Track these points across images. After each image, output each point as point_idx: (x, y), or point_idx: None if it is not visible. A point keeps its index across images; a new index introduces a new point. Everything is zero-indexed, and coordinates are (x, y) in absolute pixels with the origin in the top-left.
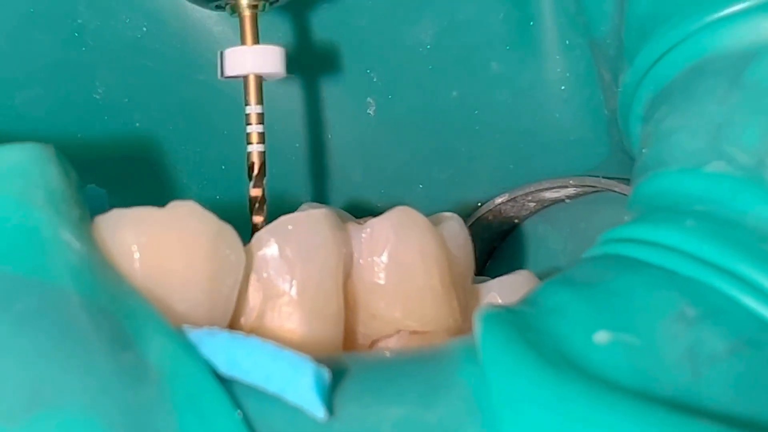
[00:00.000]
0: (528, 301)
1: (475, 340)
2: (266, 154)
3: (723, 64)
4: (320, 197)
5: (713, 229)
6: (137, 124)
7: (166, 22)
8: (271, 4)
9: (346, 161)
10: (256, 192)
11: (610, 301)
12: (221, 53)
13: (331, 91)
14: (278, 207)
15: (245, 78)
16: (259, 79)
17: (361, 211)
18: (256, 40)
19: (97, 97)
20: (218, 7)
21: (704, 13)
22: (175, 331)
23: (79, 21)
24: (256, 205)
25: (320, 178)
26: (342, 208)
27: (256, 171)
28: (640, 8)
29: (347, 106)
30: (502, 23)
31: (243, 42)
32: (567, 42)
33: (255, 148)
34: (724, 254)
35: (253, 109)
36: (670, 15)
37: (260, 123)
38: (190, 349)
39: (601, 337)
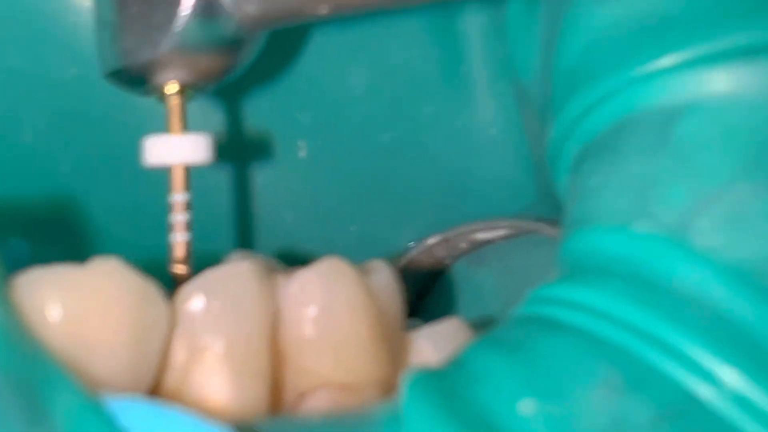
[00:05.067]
0: (455, 363)
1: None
2: (191, 243)
3: (649, 121)
4: (252, 239)
5: (637, 292)
6: (65, 168)
7: (96, 64)
8: (198, 90)
9: (278, 203)
10: (181, 276)
11: (535, 367)
12: (144, 141)
13: (260, 134)
14: (208, 251)
15: (172, 167)
16: (186, 168)
17: (293, 254)
18: (183, 128)
19: (25, 140)
20: (147, 93)
21: (630, 69)
22: (93, 400)
23: (6, 63)
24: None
25: (252, 220)
26: (274, 251)
27: (180, 261)
28: (566, 61)
29: (278, 148)
30: (434, 68)
31: (169, 130)
32: (497, 87)
33: (180, 237)
34: (648, 319)
35: (178, 197)
36: (596, 70)
37: (186, 210)
38: (107, 421)
39: (525, 406)
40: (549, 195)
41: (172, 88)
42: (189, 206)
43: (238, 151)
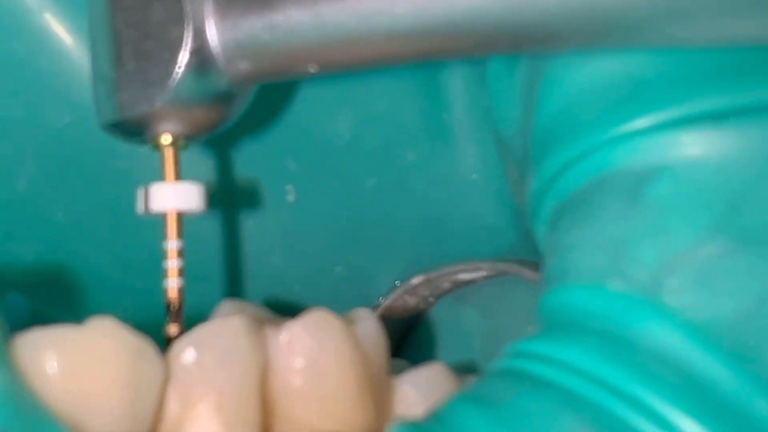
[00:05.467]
0: (436, 418)
1: None
2: (184, 289)
3: (622, 181)
4: (241, 282)
5: (611, 350)
6: (60, 215)
7: (90, 111)
8: (192, 139)
9: (266, 245)
10: (173, 329)
11: (513, 424)
12: (139, 189)
13: (250, 179)
14: (198, 295)
15: (165, 215)
16: (179, 215)
17: (281, 296)
18: (177, 176)
19: (20, 188)
20: (142, 143)
21: (605, 129)
22: None
23: (2, 112)
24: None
25: (241, 263)
26: (262, 292)
27: (174, 308)
28: (545, 118)
29: (267, 193)
30: (417, 116)
31: (163, 178)
32: (479, 134)
33: (173, 283)
34: (621, 377)
35: (172, 244)
36: (573, 128)
37: (179, 257)
38: None
39: None
40: (529, 237)
41: (166, 138)
42: (182, 253)
43: (228, 196)
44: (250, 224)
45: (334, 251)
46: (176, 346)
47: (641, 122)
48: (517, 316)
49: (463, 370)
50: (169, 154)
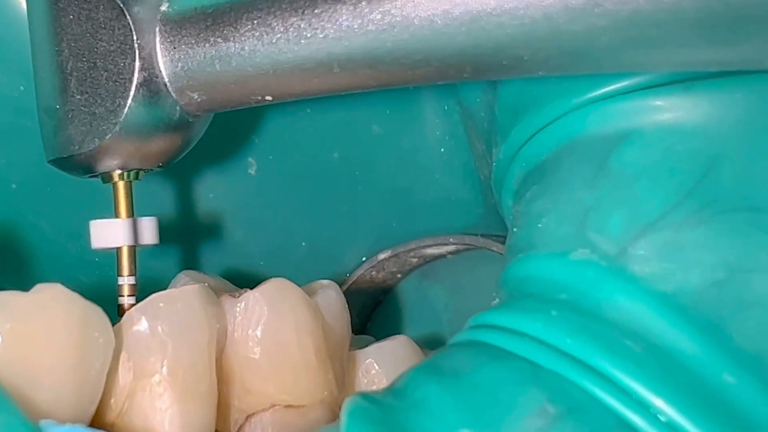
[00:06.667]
0: (396, 390)
1: None
2: None
3: (591, 148)
4: (201, 256)
5: (576, 321)
6: (13, 186)
7: None
8: (145, 172)
9: (228, 220)
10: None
11: (475, 396)
12: (92, 223)
13: (212, 152)
14: (157, 269)
15: (118, 249)
16: (133, 250)
17: (242, 271)
18: (130, 212)
19: None
20: (92, 176)
21: (574, 96)
22: (34, 430)
23: None
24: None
25: (201, 237)
26: (224, 267)
27: None
28: (511, 86)
29: (228, 166)
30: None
31: (116, 214)
32: (446, 107)
33: None
34: (585, 349)
35: (126, 280)
36: (541, 96)
37: (133, 295)
38: None
39: None
40: (496, 211)
41: (117, 174)
42: (135, 289)
43: (189, 168)
44: (211, 198)
45: (299, 226)
46: (129, 315)
47: (613, 87)
48: (486, 290)
49: (432, 345)
50: (120, 190)
